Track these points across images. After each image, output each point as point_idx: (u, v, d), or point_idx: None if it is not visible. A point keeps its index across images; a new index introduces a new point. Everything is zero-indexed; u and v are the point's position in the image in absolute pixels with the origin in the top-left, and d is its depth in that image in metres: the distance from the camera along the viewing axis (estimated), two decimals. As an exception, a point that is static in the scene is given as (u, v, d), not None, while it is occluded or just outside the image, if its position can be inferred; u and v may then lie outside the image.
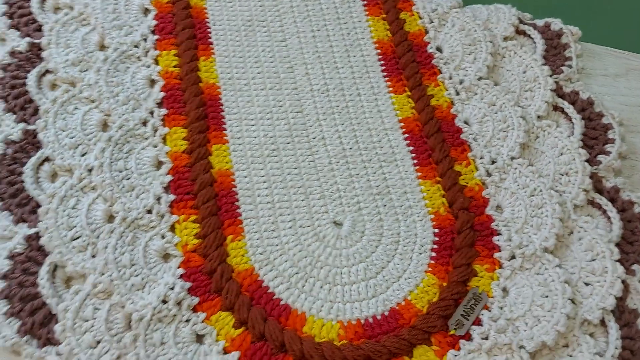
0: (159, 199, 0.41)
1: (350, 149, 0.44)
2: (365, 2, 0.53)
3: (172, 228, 0.40)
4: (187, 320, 0.36)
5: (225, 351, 0.36)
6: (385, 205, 0.42)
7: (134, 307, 0.36)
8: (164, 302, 0.36)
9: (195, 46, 0.48)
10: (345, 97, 0.47)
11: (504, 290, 0.38)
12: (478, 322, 0.37)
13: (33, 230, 0.39)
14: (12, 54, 0.46)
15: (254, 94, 0.46)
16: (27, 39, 0.47)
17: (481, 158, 0.44)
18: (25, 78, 0.45)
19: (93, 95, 0.44)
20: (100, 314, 0.36)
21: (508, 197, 0.42)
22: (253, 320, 0.36)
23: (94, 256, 0.38)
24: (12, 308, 0.36)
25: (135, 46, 0.47)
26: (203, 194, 0.41)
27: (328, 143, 0.45)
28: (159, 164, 0.43)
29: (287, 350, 0.36)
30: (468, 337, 0.36)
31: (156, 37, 0.48)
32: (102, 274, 0.37)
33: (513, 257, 0.40)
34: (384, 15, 0.52)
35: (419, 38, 0.51)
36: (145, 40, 0.48)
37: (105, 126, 0.44)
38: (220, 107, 0.45)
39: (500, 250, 0.40)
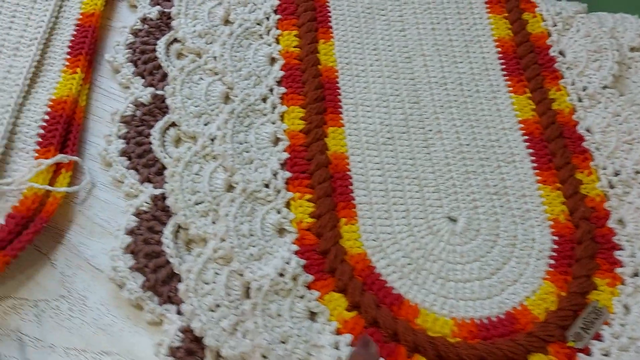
0: (275, 174, 0.41)
1: (468, 145, 0.44)
2: (487, -1, 0.52)
3: (288, 204, 0.41)
4: (302, 297, 0.37)
5: (338, 332, 0.36)
6: (502, 206, 0.41)
7: (253, 276, 0.37)
8: (281, 275, 0.37)
9: (316, 29, 0.48)
10: (463, 92, 0.46)
11: (626, 307, 0.37)
12: (598, 337, 0.35)
13: (159, 191, 0.40)
14: (143, 20, 0.48)
15: (371, 81, 0.46)
16: (158, 7, 0.48)
17: (604, 169, 0.43)
18: (155, 44, 0.46)
19: (217, 68, 0.45)
20: (220, 279, 0.37)
21: (632, 211, 0.41)
22: (366, 306, 0.36)
23: (213, 222, 0.40)
24: (137, 263, 0.37)
25: (258, 24, 0.48)
26: (319, 174, 0.41)
27: (445, 137, 0.44)
28: (277, 141, 0.43)
29: (400, 340, 0.36)
30: (587, 351, 0.35)
31: (278, 16, 0.48)
32: (223, 240, 0.38)
33: (636, 274, 0.38)
34: (506, 14, 0.51)
35: (541, 40, 0.49)
36: (267, 18, 0.49)
37: (226, 98, 0.45)
38: (338, 90, 0.45)
39: (622, 266, 0.38)
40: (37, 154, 0.40)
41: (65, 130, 0.41)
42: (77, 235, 0.39)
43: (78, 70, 0.44)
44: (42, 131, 0.41)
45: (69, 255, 0.39)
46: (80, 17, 0.46)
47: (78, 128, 0.42)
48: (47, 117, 0.41)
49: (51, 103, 0.42)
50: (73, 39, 0.45)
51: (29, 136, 0.41)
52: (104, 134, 0.43)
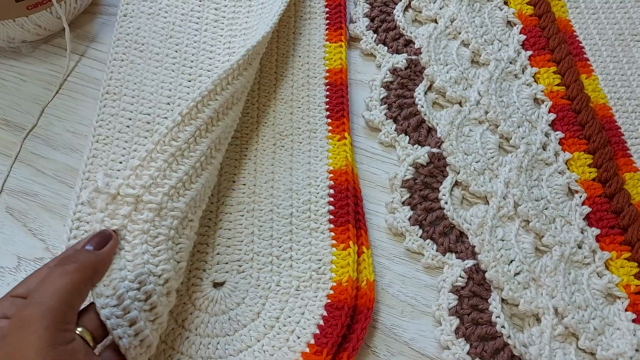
0: (583, 231, 0.38)
1: None
2: None
3: (606, 265, 0.37)
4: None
5: None
6: None
7: (608, 355, 0.34)
8: (637, 350, 0.34)
9: (574, 63, 0.45)
10: None
11: None
12: None
13: (471, 262, 0.37)
14: (393, 71, 0.44)
15: (650, 116, 0.43)
16: (405, 56, 0.44)
17: None
18: (410, 97, 0.43)
19: (487, 117, 0.42)
20: (571, 358, 0.34)
21: None
22: None
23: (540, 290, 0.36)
24: (473, 348, 0.34)
25: (511, 62, 0.45)
26: (634, 229, 0.38)
27: None
28: (571, 192, 0.40)
29: None
30: None
31: (529, 52, 0.45)
32: (562, 317, 0.35)
33: None
34: None
35: None
36: (518, 54, 0.45)
37: (501, 149, 0.42)
38: (619, 130, 0.42)
39: None
40: (333, 234, 0.37)
41: (354, 204, 0.38)
42: (388, 316, 0.36)
43: (346, 134, 0.40)
44: (332, 207, 0.38)
45: (387, 340, 0.36)
46: (328, 74, 0.43)
47: (361, 198, 0.39)
48: (332, 191, 0.38)
49: (332, 175, 0.39)
50: (328, 99, 0.42)
51: (319, 214, 0.37)
52: (382, 200, 0.40)
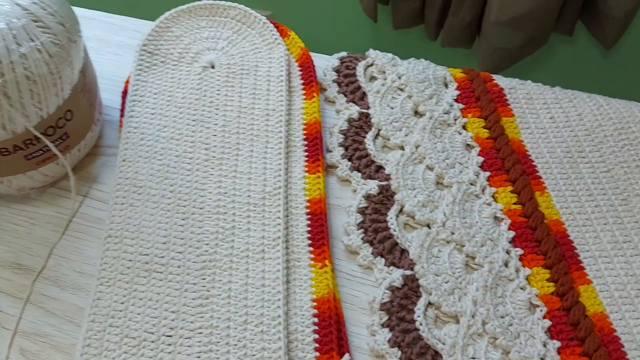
0: (545, 344, 0.42)
1: None
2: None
3: (568, 377, 0.41)
4: None
5: None
6: None
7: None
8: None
9: (529, 182, 0.50)
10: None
11: None
12: None
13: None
14: (367, 197, 0.48)
15: (599, 229, 0.47)
16: (377, 182, 0.49)
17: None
18: (385, 222, 0.48)
19: (452, 237, 0.46)
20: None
21: None
22: None
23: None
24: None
25: (472, 184, 0.50)
26: (591, 340, 0.42)
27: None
28: (532, 307, 0.44)
29: None
30: None
31: (487, 173, 0.50)
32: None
33: None
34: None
35: None
36: (477, 176, 0.50)
37: (467, 267, 0.46)
38: (572, 244, 0.46)
39: None
40: None
41: (337, 330, 0.42)
42: None
43: (327, 262, 0.44)
44: (317, 336, 0.41)
45: None
46: (309, 203, 0.48)
47: (343, 323, 0.43)
48: (316, 319, 0.42)
49: (315, 304, 0.43)
50: (310, 229, 0.46)
51: (305, 343, 0.41)
52: (362, 322, 0.43)
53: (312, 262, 0.45)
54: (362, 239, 0.47)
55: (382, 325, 0.43)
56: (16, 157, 0.45)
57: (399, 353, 0.42)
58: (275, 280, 0.43)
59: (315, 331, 0.42)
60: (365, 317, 0.44)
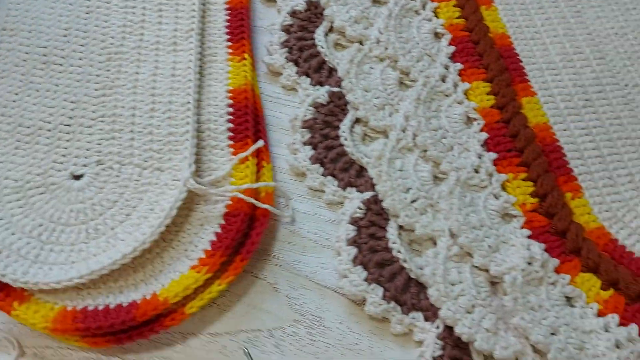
0: (480, 156, 0.39)
1: (672, 94, 0.41)
2: None
3: (503, 187, 0.38)
4: (554, 283, 0.35)
5: (600, 314, 0.34)
6: None
7: (501, 269, 0.34)
8: (529, 263, 0.35)
9: (474, -5, 0.45)
10: (650, 39, 0.43)
11: None
12: None
13: (369, 194, 0.37)
14: (293, 14, 0.44)
15: (548, 42, 0.43)
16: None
17: None
18: (311, 39, 0.43)
19: (386, 53, 0.42)
20: (466, 277, 0.34)
21: None
22: (626, 281, 0.34)
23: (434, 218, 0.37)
24: (371, 275, 0.35)
25: (412, -1, 0.45)
26: (531, 150, 0.38)
27: (644, 90, 0.41)
28: (469, 121, 0.40)
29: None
30: None
31: (429, -13, 0.46)
32: (454, 236, 0.35)
33: None
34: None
35: None
36: (418, -8, 0.45)
37: (402, 84, 0.42)
38: (517, 57, 0.42)
39: None
40: (233, 149, 0.37)
41: (254, 122, 0.39)
42: (289, 253, 0.37)
43: (246, 55, 0.41)
44: (231, 125, 0.38)
45: (289, 276, 0.36)
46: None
47: (263, 117, 0.40)
48: (231, 109, 0.39)
49: (231, 94, 0.39)
50: (229, 23, 0.42)
51: (219, 132, 0.38)
52: (284, 143, 0.40)
53: (230, 56, 0.42)
54: (286, 58, 0.43)
55: (304, 143, 0.40)
56: None
57: (321, 169, 0.39)
58: (187, 70, 0.40)
59: (230, 120, 0.39)
60: (287, 138, 0.41)
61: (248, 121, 0.38)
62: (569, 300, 0.34)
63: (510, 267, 0.34)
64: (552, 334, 0.32)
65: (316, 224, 0.38)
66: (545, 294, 0.34)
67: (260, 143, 0.37)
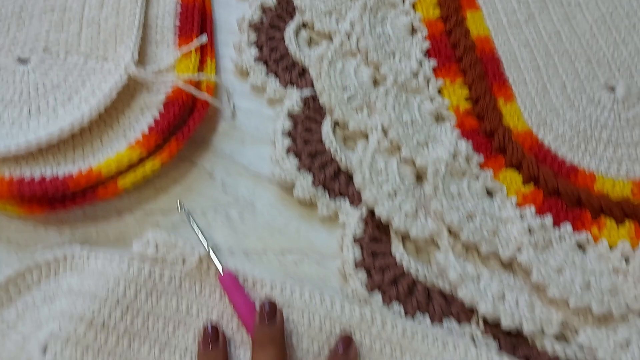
0: (421, 63, 0.40)
1: (611, 14, 0.42)
2: None
3: (439, 92, 0.39)
4: (477, 177, 0.36)
5: (518, 204, 0.35)
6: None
7: (426, 161, 0.36)
8: (453, 157, 0.36)
9: None
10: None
11: None
12: None
13: (308, 92, 0.39)
14: None
15: (497, -39, 0.44)
16: None
17: None
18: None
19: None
20: (392, 168, 0.36)
21: None
22: (545, 178, 0.35)
23: (369, 116, 0.38)
24: (302, 164, 0.36)
25: None
26: (468, 58, 0.39)
27: (585, 9, 0.42)
28: (414, 31, 0.41)
29: (584, 205, 0.35)
30: None
31: None
32: (385, 131, 0.37)
33: None
34: None
35: None
36: None
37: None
38: (466, -27, 0.44)
39: None
40: (178, 45, 0.38)
41: (201, 20, 0.40)
42: (229, 144, 0.38)
43: None
44: (178, 23, 0.39)
45: (226, 164, 0.37)
46: None
47: (212, 19, 0.41)
48: (180, 9, 0.40)
49: None
50: None
51: (166, 28, 0.39)
52: (232, 43, 0.41)
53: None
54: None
55: (250, 44, 0.41)
56: None
57: (264, 69, 0.40)
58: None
59: (177, 18, 0.40)
60: (235, 39, 0.41)
61: (194, 18, 0.39)
62: (490, 194, 0.36)
63: (435, 158, 0.36)
64: (469, 219, 0.34)
65: (257, 121, 0.39)
66: (467, 185, 0.35)
67: (203, 38, 0.39)
